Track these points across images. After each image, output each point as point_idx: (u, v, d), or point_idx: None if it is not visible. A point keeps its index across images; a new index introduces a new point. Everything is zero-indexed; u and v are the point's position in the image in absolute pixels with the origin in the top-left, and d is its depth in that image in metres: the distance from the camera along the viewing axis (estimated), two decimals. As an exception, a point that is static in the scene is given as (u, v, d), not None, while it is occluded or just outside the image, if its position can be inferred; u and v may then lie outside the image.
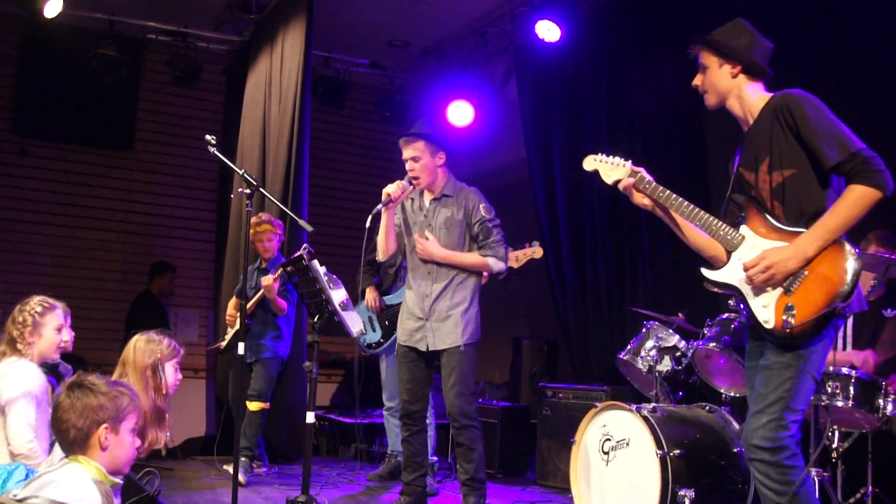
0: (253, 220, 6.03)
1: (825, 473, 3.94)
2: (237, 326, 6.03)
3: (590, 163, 3.48)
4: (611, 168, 3.36)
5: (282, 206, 4.84)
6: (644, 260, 6.39)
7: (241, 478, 5.66)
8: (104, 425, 2.57)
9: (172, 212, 8.62)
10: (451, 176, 4.73)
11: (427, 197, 4.72)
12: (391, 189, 4.55)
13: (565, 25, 6.92)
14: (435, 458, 5.87)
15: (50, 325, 3.81)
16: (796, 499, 2.85)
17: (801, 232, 2.92)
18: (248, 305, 5.96)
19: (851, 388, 4.06)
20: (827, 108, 2.98)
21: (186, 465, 6.67)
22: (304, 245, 5.40)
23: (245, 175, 4.06)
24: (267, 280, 5.73)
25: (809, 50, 5.35)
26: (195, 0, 7.71)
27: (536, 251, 5.16)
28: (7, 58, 7.99)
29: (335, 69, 8.87)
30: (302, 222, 4.27)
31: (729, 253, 3.11)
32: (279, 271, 5.73)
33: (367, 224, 4.54)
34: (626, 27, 6.74)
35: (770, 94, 3.13)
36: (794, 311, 2.86)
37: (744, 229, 3.09)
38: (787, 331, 2.86)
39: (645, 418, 4.20)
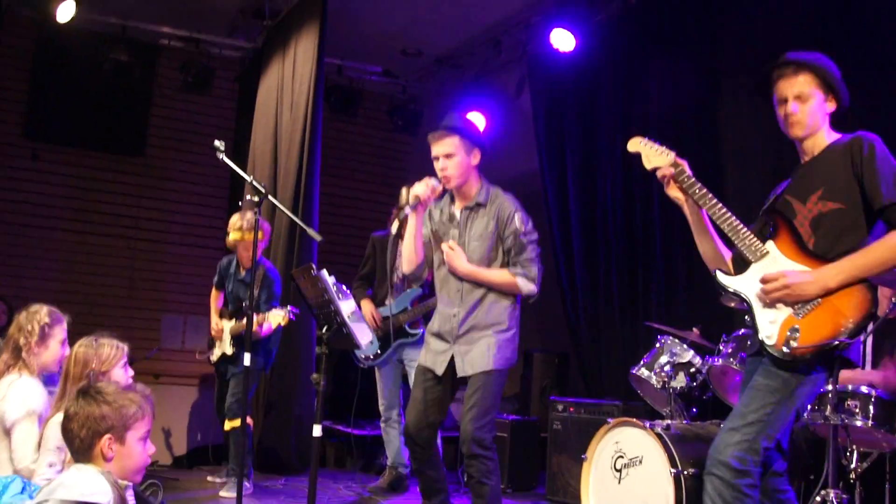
0: (241, 224, 5.70)
1: (844, 495, 3.85)
2: (225, 350, 5.94)
3: (634, 144, 3.40)
4: (655, 154, 3.30)
5: (291, 214, 4.78)
6: (658, 273, 6.31)
7: (224, 493, 5.59)
8: (107, 436, 2.51)
9: (183, 218, 8.59)
10: (484, 180, 4.14)
11: (458, 205, 4.13)
12: (419, 190, 4.02)
13: (580, 35, 6.86)
14: (408, 463, 5.78)
15: (57, 337, 3.72)
16: None
17: (827, 262, 2.90)
18: (234, 327, 5.86)
19: (871, 408, 3.97)
20: (892, 156, 2.99)
21: (192, 475, 6.62)
22: (289, 308, 5.35)
23: (254, 182, 4.00)
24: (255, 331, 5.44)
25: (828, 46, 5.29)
26: (208, 6, 7.70)
27: None
28: (20, 62, 7.99)
29: (348, 77, 8.84)
30: (311, 232, 4.20)
31: (745, 265, 3.07)
32: (261, 317, 5.45)
33: (393, 230, 4.19)
34: (641, 37, 6.68)
35: (838, 134, 3.12)
36: (799, 335, 2.83)
37: (770, 245, 3.04)
38: (787, 351, 2.84)
39: (658, 435, 4.12)
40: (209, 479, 6.18)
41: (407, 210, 4.05)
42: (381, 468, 6.48)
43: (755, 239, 3.06)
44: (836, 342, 2.80)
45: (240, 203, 5.81)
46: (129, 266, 8.38)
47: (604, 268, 6.79)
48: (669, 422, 4.36)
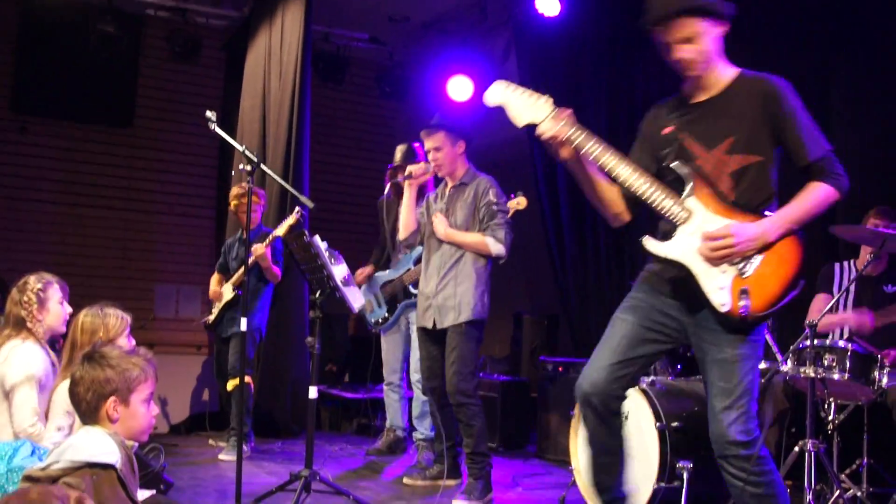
0: (236, 190, 6.02)
1: (821, 445, 3.99)
2: (223, 301, 6.04)
3: (496, 94, 2.89)
4: (528, 104, 2.86)
5: (282, 182, 4.84)
6: (644, 233, 6.38)
7: (223, 456, 5.71)
8: (112, 398, 2.59)
9: (173, 188, 8.62)
10: (471, 165, 4.89)
11: (448, 185, 4.90)
12: (414, 168, 4.87)
13: (565, 0, 6.89)
14: (406, 427, 6.01)
15: (54, 298, 3.83)
16: (775, 485, 2.85)
17: (754, 215, 2.81)
18: (237, 277, 5.95)
19: (847, 361, 4.10)
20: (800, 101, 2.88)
21: (191, 440, 6.75)
22: (297, 208, 5.43)
23: (246, 151, 4.07)
24: (258, 249, 5.63)
25: (815, 28, 5.34)
26: (193, -25, 7.68)
27: (521, 202, 5.11)
28: (6, 35, 7.96)
29: (335, 44, 8.84)
30: (303, 198, 4.27)
31: (673, 227, 2.88)
32: (269, 238, 5.66)
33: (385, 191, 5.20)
34: (626, 1, 6.70)
35: (737, 70, 2.95)
36: (751, 298, 2.75)
37: (692, 202, 2.86)
38: (744, 316, 2.75)
39: (644, 391, 4.25)
40: (210, 442, 6.30)
41: (399, 179, 4.82)
42: (376, 431, 6.60)
43: (676, 198, 2.85)
44: (787, 298, 2.80)
45: (232, 172, 5.88)
46: (121, 237, 8.43)
47: (591, 230, 6.88)
48: (654, 378, 4.49)
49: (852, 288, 4.72)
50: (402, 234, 4.93)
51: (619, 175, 2.84)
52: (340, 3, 8.00)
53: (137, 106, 8.52)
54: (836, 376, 4.08)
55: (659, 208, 2.87)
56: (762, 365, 4.54)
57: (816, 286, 4.85)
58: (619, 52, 6.76)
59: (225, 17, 8.46)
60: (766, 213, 2.85)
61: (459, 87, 8.24)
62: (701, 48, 2.86)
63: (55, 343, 3.95)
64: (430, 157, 4.82)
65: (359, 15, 8.40)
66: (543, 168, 7.22)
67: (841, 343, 4.16)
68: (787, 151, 2.87)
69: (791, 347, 4.19)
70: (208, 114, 4.03)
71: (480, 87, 8.19)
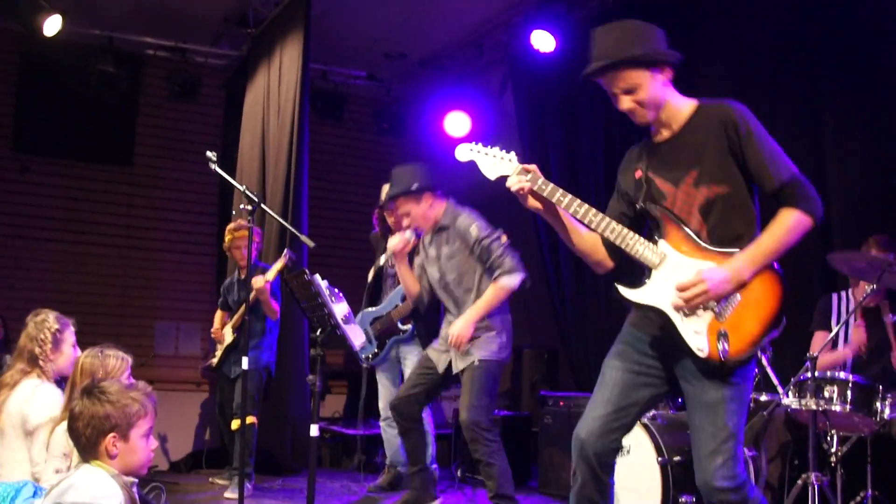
0: (231, 226, 6.04)
1: (824, 478, 3.98)
2: (226, 342, 6.04)
3: (465, 153, 3.04)
4: (495, 162, 2.97)
5: (282, 221, 4.87)
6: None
7: (228, 494, 5.66)
8: (111, 434, 2.57)
9: (173, 226, 8.66)
10: (449, 203, 4.73)
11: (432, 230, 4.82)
12: (393, 244, 4.69)
13: (560, 35, 6.98)
14: (435, 466, 5.93)
15: (68, 341, 3.83)
16: None
17: (728, 252, 2.73)
18: (236, 318, 5.96)
19: (849, 393, 4.10)
20: (761, 125, 2.80)
21: (191, 478, 6.71)
22: (286, 252, 5.47)
23: (246, 191, 4.09)
24: (258, 282, 5.61)
25: (804, 48, 5.39)
26: (192, 15, 7.77)
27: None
28: (7, 76, 8.04)
29: (333, 82, 8.93)
30: (304, 238, 4.30)
31: (646, 270, 2.84)
32: (263, 279, 5.64)
33: (369, 279, 4.97)
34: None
35: (695, 102, 2.90)
36: (729, 339, 2.69)
37: (664, 245, 2.82)
38: (723, 359, 2.69)
39: (645, 426, 4.24)
40: (210, 480, 6.27)
41: (384, 258, 4.88)
42: (377, 467, 6.57)
43: (646, 243, 2.83)
44: (768, 338, 2.74)
45: (232, 211, 5.92)
46: (121, 274, 8.45)
47: (590, 263, 6.89)
48: (656, 412, 4.48)
49: (851, 319, 4.71)
50: (409, 300, 4.91)
51: (590, 221, 2.84)
52: (338, 41, 8.09)
53: (138, 144, 8.58)
54: (837, 408, 4.08)
55: (632, 253, 2.84)
56: (763, 397, 4.54)
57: (814, 322, 4.83)
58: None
59: (224, 56, 8.55)
60: (741, 247, 2.76)
61: (456, 123, 8.32)
62: (644, 97, 2.83)
63: (61, 383, 3.95)
64: (404, 223, 4.73)
65: (356, 53, 8.49)
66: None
67: (842, 375, 4.16)
68: (752, 178, 2.77)
69: (792, 380, 4.19)
70: (209, 154, 4.06)
71: (477, 123, 8.28)
